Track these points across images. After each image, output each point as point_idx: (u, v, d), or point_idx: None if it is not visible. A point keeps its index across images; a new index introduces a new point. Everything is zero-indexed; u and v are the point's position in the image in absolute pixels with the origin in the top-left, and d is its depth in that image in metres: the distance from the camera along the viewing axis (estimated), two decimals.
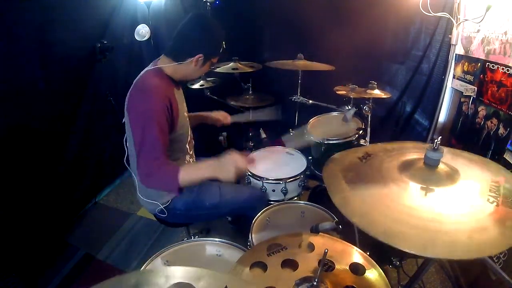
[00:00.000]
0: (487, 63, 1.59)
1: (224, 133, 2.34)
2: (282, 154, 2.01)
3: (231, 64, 2.31)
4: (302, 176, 1.76)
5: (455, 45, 1.75)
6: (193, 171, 1.23)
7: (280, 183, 1.71)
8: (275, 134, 2.62)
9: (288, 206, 1.52)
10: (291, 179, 1.72)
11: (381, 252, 1.18)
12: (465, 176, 0.82)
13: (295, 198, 1.80)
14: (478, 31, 1.66)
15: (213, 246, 1.23)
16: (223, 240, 1.23)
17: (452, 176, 0.82)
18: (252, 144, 2.67)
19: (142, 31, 2.43)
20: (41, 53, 1.89)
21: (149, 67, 1.33)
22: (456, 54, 1.85)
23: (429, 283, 1.73)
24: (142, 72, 1.32)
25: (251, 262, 0.92)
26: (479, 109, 1.68)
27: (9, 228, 1.81)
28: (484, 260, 1.11)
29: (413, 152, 0.94)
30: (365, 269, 0.91)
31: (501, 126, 1.49)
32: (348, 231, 1.16)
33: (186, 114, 1.43)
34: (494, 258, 1.37)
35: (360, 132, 1.94)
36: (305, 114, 2.31)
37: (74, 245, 2.11)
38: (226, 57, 2.26)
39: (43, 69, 1.92)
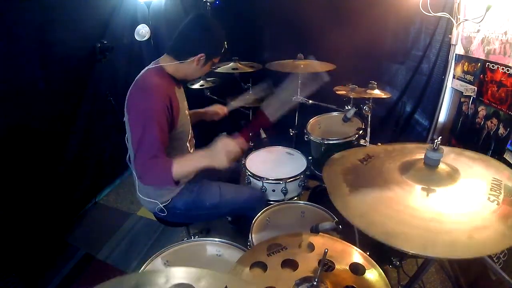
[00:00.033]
0: (487, 63, 1.59)
1: (224, 133, 2.34)
2: (282, 154, 2.01)
3: (231, 64, 2.31)
4: (302, 176, 1.76)
5: (455, 45, 1.75)
6: (186, 162, 1.22)
7: (280, 183, 1.71)
8: (275, 134, 2.61)
9: (288, 206, 1.52)
10: (291, 179, 1.72)
11: (381, 252, 1.18)
12: (466, 175, 0.82)
13: (295, 198, 1.80)
14: (478, 31, 1.66)
15: (213, 246, 1.23)
16: (223, 240, 1.23)
17: (452, 175, 0.82)
18: (252, 144, 2.67)
19: (142, 31, 2.43)
20: (41, 53, 1.89)
21: (151, 66, 1.33)
22: (456, 54, 1.85)
23: (429, 283, 1.73)
24: (143, 71, 1.32)
25: (251, 262, 0.92)
26: (479, 109, 1.68)
27: (9, 228, 1.81)
28: (484, 260, 1.11)
29: (414, 153, 0.94)
30: (365, 269, 0.91)
31: (501, 126, 1.49)
32: (348, 231, 1.16)
33: (187, 112, 1.43)
34: (494, 258, 1.37)
35: (360, 132, 1.94)
36: (305, 114, 2.31)
37: (74, 245, 2.11)
38: (227, 57, 2.26)
39: (43, 69, 1.92)
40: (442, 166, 0.84)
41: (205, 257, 1.21)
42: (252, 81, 2.47)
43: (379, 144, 1.55)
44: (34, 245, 1.95)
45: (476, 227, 0.68)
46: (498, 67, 1.51)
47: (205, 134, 1.82)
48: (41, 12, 1.83)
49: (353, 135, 1.93)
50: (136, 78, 1.30)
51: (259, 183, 1.73)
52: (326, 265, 0.89)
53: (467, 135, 1.81)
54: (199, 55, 1.25)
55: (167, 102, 1.21)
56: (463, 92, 1.84)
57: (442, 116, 2.05)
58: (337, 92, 2.00)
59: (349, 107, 1.98)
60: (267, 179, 1.71)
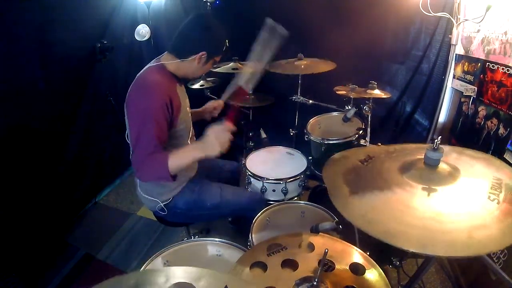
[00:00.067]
0: (487, 63, 1.59)
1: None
2: (282, 154, 2.01)
3: (231, 64, 2.31)
4: (302, 176, 1.76)
5: (455, 45, 1.75)
6: (180, 155, 1.22)
7: (280, 183, 1.71)
8: (275, 134, 2.62)
9: (288, 206, 1.52)
10: (291, 179, 1.72)
11: (381, 252, 1.18)
12: (466, 175, 0.82)
13: (295, 198, 1.80)
14: (478, 31, 1.66)
15: (213, 246, 1.23)
16: (223, 240, 1.23)
17: (452, 175, 0.82)
18: (252, 144, 2.67)
19: (142, 31, 2.43)
20: (41, 53, 1.89)
21: (152, 63, 1.33)
22: (456, 54, 1.85)
23: (429, 283, 1.73)
24: (144, 68, 1.33)
25: (251, 262, 0.92)
26: (479, 109, 1.68)
27: (9, 228, 1.81)
28: (484, 260, 1.11)
29: (414, 153, 0.94)
30: (365, 269, 0.91)
31: (501, 126, 1.49)
32: (348, 231, 1.16)
33: (188, 109, 1.43)
34: (494, 258, 1.37)
35: (360, 132, 1.94)
36: (305, 114, 2.31)
37: (74, 245, 2.11)
38: (228, 56, 2.25)
39: (43, 69, 1.92)
40: (442, 166, 0.84)
41: (205, 257, 1.21)
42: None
43: (379, 144, 1.55)
44: (34, 245, 1.95)
45: (476, 226, 0.68)
46: (498, 67, 1.51)
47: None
48: (41, 12, 1.83)
49: (353, 135, 1.93)
50: (137, 75, 1.31)
51: (259, 183, 1.73)
52: (326, 265, 0.90)
53: (467, 135, 1.81)
54: (200, 54, 1.25)
55: (167, 100, 1.22)
56: (463, 92, 1.84)
57: (442, 116, 2.05)
58: (337, 92, 2.00)
59: (349, 107, 1.98)
60: (267, 179, 1.71)
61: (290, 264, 0.93)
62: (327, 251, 0.83)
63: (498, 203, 0.73)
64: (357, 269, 0.92)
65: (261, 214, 1.43)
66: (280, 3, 2.43)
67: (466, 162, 0.89)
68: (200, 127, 1.68)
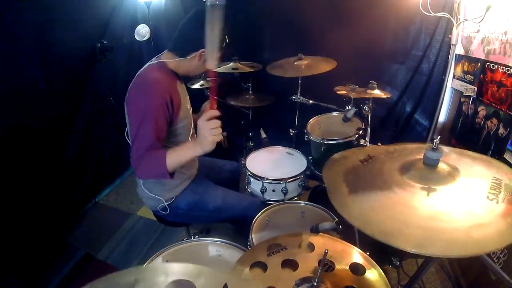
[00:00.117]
0: (487, 63, 1.59)
1: (224, 133, 2.34)
2: (282, 154, 2.01)
3: (231, 64, 2.31)
4: (302, 176, 1.76)
5: (455, 45, 1.75)
6: (179, 151, 1.22)
7: (280, 183, 1.71)
8: (275, 134, 2.61)
9: (288, 206, 1.52)
10: (291, 179, 1.72)
11: (381, 252, 1.19)
12: (466, 174, 0.82)
13: (295, 198, 1.80)
14: (478, 31, 1.66)
15: (213, 246, 1.23)
16: (223, 240, 1.23)
17: (452, 174, 0.82)
18: (252, 144, 2.67)
19: (142, 31, 2.43)
20: (41, 53, 1.89)
21: (152, 61, 1.33)
22: (456, 54, 1.84)
23: (429, 283, 1.73)
24: (145, 66, 1.33)
25: (251, 262, 0.92)
26: (479, 109, 1.68)
27: (9, 228, 1.81)
28: (484, 260, 1.11)
29: (414, 153, 0.94)
30: (365, 269, 0.91)
31: (501, 126, 1.49)
32: (348, 231, 1.16)
33: (188, 106, 1.43)
34: (494, 258, 1.37)
35: (360, 132, 1.94)
36: (305, 114, 2.31)
37: (74, 245, 2.11)
38: (229, 53, 2.24)
39: (43, 69, 1.93)
40: (442, 166, 0.84)
41: (205, 257, 1.21)
42: (252, 81, 2.47)
43: (379, 144, 1.55)
44: (34, 245, 1.96)
45: (474, 225, 0.68)
46: (498, 67, 1.51)
47: None
48: (41, 12, 1.83)
49: (353, 135, 1.93)
50: (138, 73, 1.31)
51: (259, 183, 1.73)
52: (326, 265, 0.89)
53: (467, 135, 1.81)
54: (200, 51, 1.25)
55: (167, 98, 1.22)
56: (463, 92, 1.84)
57: (442, 116, 2.05)
58: (337, 92, 2.00)
59: (349, 107, 1.98)
60: (267, 179, 1.71)
61: (290, 264, 0.93)
62: (327, 251, 0.83)
63: (497, 202, 0.73)
64: (357, 269, 0.92)
65: (261, 214, 1.43)
66: (280, 3, 2.44)
67: (465, 162, 0.89)
68: None
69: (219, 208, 1.48)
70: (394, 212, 0.74)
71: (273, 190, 1.73)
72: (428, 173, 0.83)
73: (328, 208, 1.43)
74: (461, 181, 0.80)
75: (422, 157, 0.85)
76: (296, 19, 2.37)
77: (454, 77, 1.94)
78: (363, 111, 1.86)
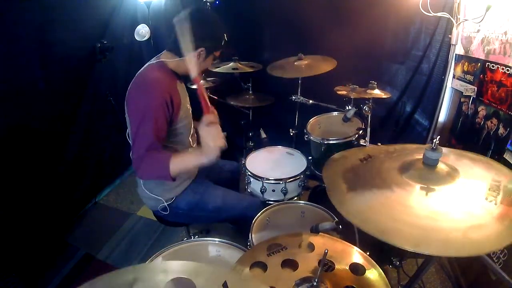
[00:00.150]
0: (487, 63, 1.59)
1: (224, 133, 2.34)
2: (282, 154, 2.01)
3: (231, 64, 2.31)
4: (302, 176, 1.76)
5: (455, 45, 1.75)
6: (184, 158, 1.22)
7: (280, 183, 1.71)
8: (275, 134, 2.61)
9: (288, 206, 1.52)
10: (291, 179, 1.72)
11: (381, 252, 1.19)
12: (465, 175, 0.82)
13: (295, 198, 1.80)
14: (478, 31, 1.66)
15: (213, 246, 1.23)
16: (223, 240, 1.23)
17: (451, 175, 0.82)
18: (252, 144, 2.67)
19: (142, 31, 2.43)
20: (41, 53, 1.89)
21: (152, 61, 1.33)
22: (456, 54, 1.84)
23: (429, 283, 1.73)
24: (145, 66, 1.33)
25: (251, 262, 0.92)
26: (479, 109, 1.68)
27: (9, 228, 1.81)
28: (484, 260, 1.11)
29: (414, 153, 0.94)
30: (365, 269, 0.91)
31: (501, 126, 1.49)
32: (348, 231, 1.16)
33: (188, 106, 1.43)
34: (494, 258, 1.37)
35: (360, 132, 1.94)
36: (305, 114, 2.31)
37: (74, 245, 2.11)
38: (229, 52, 2.24)
39: (43, 69, 1.92)
40: (441, 166, 0.84)
41: (205, 257, 1.21)
42: (252, 81, 2.47)
43: (379, 144, 1.55)
44: (34, 245, 1.96)
45: (472, 226, 0.68)
46: (498, 67, 1.51)
47: None
48: (41, 12, 1.83)
49: (353, 135, 1.93)
50: (138, 73, 1.31)
51: (259, 183, 1.73)
52: (326, 265, 0.90)
53: (467, 135, 1.81)
54: (199, 50, 1.25)
55: (167, 98, 1.22)
56: (463, 92, 1.84)
57: (442, 116, 2.05)
58: (337, 92, 2.00)
59: (349, 107, 1.98)
60: (267, 179, 1.71)
61: (290, 264, 0.93)
62: (327, 251, 0.83)
63: (495, 204, 0.73)
64: (357, 269, 0.92)
65: (261, 214, 1.43)
66: (280, 3, 2.44)
67: (465, 163, 0.89)
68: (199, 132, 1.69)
69: (219, 208, 1.48)
70: (392, 211, 0.75)
71: (273, 190, 1.73)
72: (427, 173, 0.83)
73: (328, 208, 1.43)
74: (460, 182, 0.80)
75: (422, 157, 0.86)
76: (296, 19, 2.37)
77: (454, 77, 1.94)
78: (363, 111, 1.86)
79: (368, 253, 0.97)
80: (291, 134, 2.40)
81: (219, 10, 2.53)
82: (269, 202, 1.64)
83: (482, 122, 1.65)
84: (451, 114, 2.02)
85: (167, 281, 0.56)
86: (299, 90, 2.20)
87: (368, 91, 1.89)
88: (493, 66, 1.55)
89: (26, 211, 1.91)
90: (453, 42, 1.71)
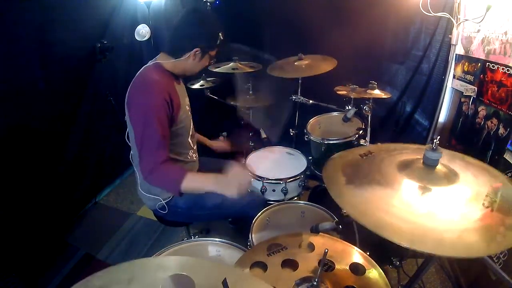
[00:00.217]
0: (487, 63, 1.59)
1: (224, 133, 2.34)
2: (282, 154, 2.01)
3: (231, 64, 2.31)
4: (302, 176, 1.76)
5: (455, 45, 1.74)
6: (199, 178, 1.23)
7: (280, 183, 1.71)
8: (274, 134, 2.61)
9: (288, 206, 1.52)
10: (291, 179, 1.72)
11: (381, 252, 1.18)
12: (463, 179, 0.82)
13: (295, 198, 1.80)
14: (478, 31, 1.66)
15: (213, 246, 1.23)
16: (223, 240, 1.23)
17: (449, 177, 0.82)
18: (252, 144, 2.67)
19: (142, 31, 2.42)
20: (41, 53, 1.89)
21: (149, 64, 1.33)
22: (456, 54, 1.84)
23: (429, 283, 1.73)
24: (141, 69, 1.33)
25: (251, 262, 0.93)
26: (479, 109, 1.68)
27: (9, 228, 1.81)
28: (484, 260, 1.12)
29: (415, 153, 0.94)
30: (365, 269, 0.91)
31: (501, 126, 1.49)
32: (348, 231, 1.16)
33: (188, 107, 1.43)
34: (494, 258, 1.37)
35: (360, 132, 1.94)
36: (305, 114, 2.31)
37: (74, 245, 2.11)
38: (226, 50, 2.24)
39: (43, 69, 1.93)
40: (441, 168, 0.84)
41: (205, 257, 1.21)
42: (252, 81, 2.47)
43: (379, 143, 1.54)
44: (34, 245, 1.95)
45: (467, 229, 0.68)
46: (498, 67, 1.51)
47: (205, 134, 1.83)
48: (41, 12, 1.83)
49: (353, 135, 1.93)
50: (135, 76, 1.31)
51: (259, 183, 1.73)
52: (326, 265, 0.90)
53: (467, 135, 1.81)
54: (194, 50, 1.25)
55: (167, 98, 1.22)
56: (463, 92, 1.84)
57: (442, 116, 2.05)
58: (337, 92, 2.00)
59: (349, 107, 1.98)
60: (267, 179, 1.71)
61: (290, 264, 0.93)
62: (327, 251, 0.83)
63: (491, 210, 0.73)
64: (357, 269, 0.92)
65: (261, 214, 1.43)
66: (280, 3, 2.44)
67: (465, 167, 0.89)
68: (200, 128, 1.69)
69: (218, 206, 1.47)
70: (390, 206, 0.75)
71: (273, 190, 1.73)
72: (427, 173, 0.83)
73: (328, 208, 1.42)
74: (458, 185, 0.80)
75: (421, 157, 0.86)
76: (296, 19, 2.37)
77: (454, 77, 1.94)
78: (363, 111, 1.86)
79: (368, 253, 0.97)
80: (291, 134, 2.40)
81: (219, 10, 2.53)
82: (269, 202, 1.64)
83: (482, 122, 1.65)
84: (451, 114, 2.02)
85: (166, 277, 0.56)
86: (299, 90, 2.20)
87: (368, 91, 1.89)
88: (493, 66, 1.55)
89: (26, 211, 1.91)
90: (453, 42, 1.71)
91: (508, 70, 1.44)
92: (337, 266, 0.92)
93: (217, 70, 2.29)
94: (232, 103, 2.41)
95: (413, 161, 0.88)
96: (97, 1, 2.23)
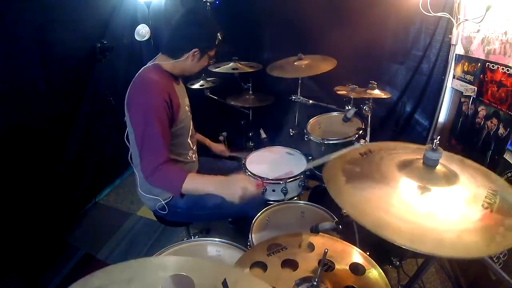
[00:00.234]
0: (487, 63, 1.59)
1: (224, 133, 2.34)
2: (282, 154, 2.01)
3: (231, 64, 2.31)
4: (302, 176, 1.75)
5: (455, 45, 1.74)
6: (201, 180, 1.23)
7: (280, 183, 1.70)
8: (275, 133, 2.62)
9: (288, 206, 1.52)
10: (291, 179, 1.71)
11: (381, 252, 1.18)
12: (463, 180, 0.82)
13: (295, 198, 1.80)
14: (478, 31, 1.66)
15: (213, 246, 1.23)
16: (223, 240, 1.23)
17: (449, 178, 0.82)
18: (252, 144, 2.67)
19: (142, 31, 2.42)
20: (41, 53, 1.89)
21: (148, 65, 1.34)
22: (456, 54, 1.84)
23: (429, 283, 1.73)
24: (140, 70, 1.33)
25: (251, 262, 0.93)
26: (479, 109, 1.68)
27: (9, 228, 1.81)
28: (484, 260, 1.11)
29: (415, 152, 0.94)
30: (365, 269, 0.91)
31: (501, 126, 1.49)
32: (348, 231, 1.16)
33: (187, 108, 1.43)
34: (494, 258, 1.37)
35: (360, 132, 1.94)
36: (305, 114, 2.31)
37: (74, 245, 2.11)
38: (225, 49, 2.25)
39: (43, 69, 1.93)
40: (441, 168, 0.84)
41: (205, 257, 1.21)
42: (252, 81, 2.47)
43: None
44: (34, 245, 1.95)
45: (466, 229, 0.68)
46: (498, 67, 1.51)
47: (205, 134, 1.83)
48: (41, 12, 1.83)
49: (353, 135, 1.93)
50: (134, 77, 1.31)
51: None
52: (326, 265, 0.90)
53: (467, 135, 1.81)
54: (192, 51, 1.26)
55: (167, 98, 1.22)
56: (463, 92, 1.84)
57: (442, 116, 2.05)
58: (337, 92, 2.00)
59: (349, 107, 1.98)
60: (267, 179, 1.71)
61: (290, 264, 0.93)
62: (327, 251, 0.83)
63: (491, 212, 0.73)
64: (357, 269, 0.92)
65: (261, 214, 1.43)
66: (280, 3, 2.44)
67: (465, 170, 0.88)
68: (200, 128, 1.69)
69: (219, 206, 1.47)
70: (389, 206, 0.75)
71: (273, 190, 1.73)
72: (427, 173, 0.83)
73: (328, 208, 1.42)
74: (458, 186, 0.80)
75: (421, 157, 0.86)
76: (296, 19, 2.37)
77: (454, 77, 1.94)
78: (363, 111, 1.86)
79: (368, 253, 0.97)
80: (291, 134, 2.40)
81: (219, 10, 2.53)
82: (269, 202, 1.64)
83: (482, 122, 1.65)
84: (451, 114, 2.02)
85: (166, 277, 0.56)
86: (299, 90, 2.20)
87: (368, 91, 1.89)
88: (493, 66, 1.55)
89: (26, 211, 1.91)
90: (453, 42, 1.71)
91: (508, 70, 1.44)
92: (337, 266, 0.92)
93: (217, 70, 2.29)
94: (232, 103, 2.41)
95: (413, 161, 0.88)
96: (97, 1, 2.23)
